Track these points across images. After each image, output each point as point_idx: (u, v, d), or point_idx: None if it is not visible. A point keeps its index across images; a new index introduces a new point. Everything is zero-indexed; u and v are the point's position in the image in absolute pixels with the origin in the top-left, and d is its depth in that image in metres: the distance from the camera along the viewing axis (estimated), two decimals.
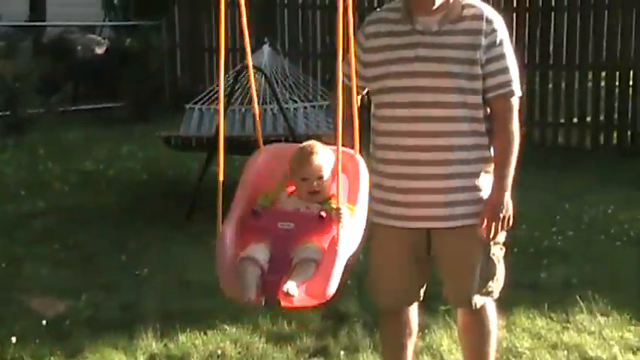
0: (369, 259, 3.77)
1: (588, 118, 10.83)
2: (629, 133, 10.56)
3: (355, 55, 3.50)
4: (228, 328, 4.92)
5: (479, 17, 3.52)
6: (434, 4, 3.52)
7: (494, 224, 3.52)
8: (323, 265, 3.00)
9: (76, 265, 6.26)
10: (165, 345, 4.78)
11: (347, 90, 3.42)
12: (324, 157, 3.27)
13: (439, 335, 4.84)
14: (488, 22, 3.51)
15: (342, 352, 4.67)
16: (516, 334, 4.91)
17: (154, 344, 4.77)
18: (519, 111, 3.60)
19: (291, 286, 2.91)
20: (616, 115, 10.63)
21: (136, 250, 6.54)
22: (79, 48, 14.68)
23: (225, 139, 7.64)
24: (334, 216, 3.06)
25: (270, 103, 8.12)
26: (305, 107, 8.39)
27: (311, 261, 3.02)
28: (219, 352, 4.69)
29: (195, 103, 8.40)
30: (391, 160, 3.59)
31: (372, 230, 3.57)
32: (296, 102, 8.35)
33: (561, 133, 10.96)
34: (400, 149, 3.55)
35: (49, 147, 10.61)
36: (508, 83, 3.52)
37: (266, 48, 8.55)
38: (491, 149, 3.57)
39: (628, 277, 5.90)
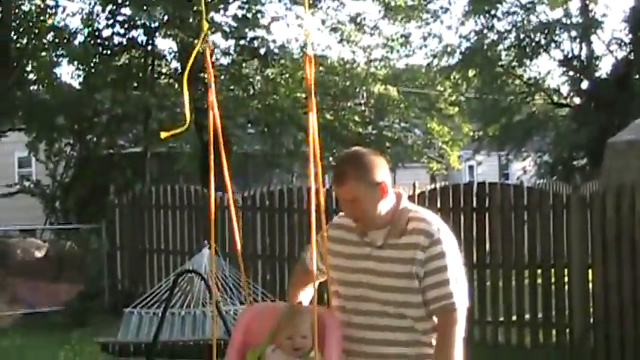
0: None
1: (527, 316, 10.92)
2: (567, 331, 10.65)
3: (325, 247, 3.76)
4: None
5: (420, 231, 3.66)
6: (378, 222, 3.69)
7: None
8: None
9: None
10: None
11: (307, 271, 3.86)
12: (307, 318, 3.67)
13: None
14: (429, 235, 3.64)
15: None
16: None
17: None
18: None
19: None
20: (554, 313, 10.74)
21: None
22: (19, 252, 14.62)
23: (165, 343, 7.54)
24: None
25: (209, 305, 8.10)
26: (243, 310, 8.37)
27: None
28: None
29: (135, 307, 8.35)
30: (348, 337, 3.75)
31: None
32: (235, 304, 8.34)
33: (501, 332, 11.01)
34: (349, 353, 3.72)
35: None
36: (446, 296, 3.61)
37: (205, 251, 8.62)
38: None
39: None
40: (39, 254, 14.78)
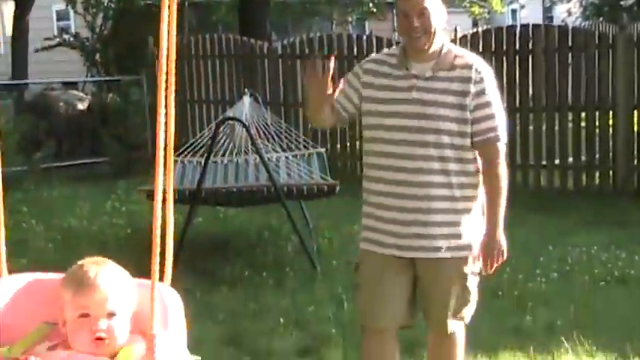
0: (361, 283, 3.99)
1: (570, 160, 10.88)
2: (610, 173, 10.61)
3: (346, 80, 3.94)
4: None
5: (469, 66, 3.84)
6: (428, 52, 3.81)
7: (489, 260, 3.85)
8: None
9: None
10: None
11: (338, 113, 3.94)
12: (116, 280, 2.35)
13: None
14: (478, 71, 3.83)
15: None
16: None
17: None
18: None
19: None
20: (597, 156, 10.69)
21: None
22: (61, 104, 14.71)
23: (208, 190, 7.60)
24: None
25: (251, 153, 8.14)
26: (287, 157, 8.41)
27: None
28: None
29: (178, 156, 8.40)
30: (379, 192, 3.89)
31: (362, 255, 3.94)
32: (277, 152, 8.37)
33: (544, 175, 10.99)
34: (388, 183, 3.85)
35: (31, 204, 10.57)
36: (494, 129, 3.83)
37: (247, 99, 8.60)
38: (478, 189, 3.87)
39: (612, 317, 5.90)
40: (81, 106, 14.87)
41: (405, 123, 3.80)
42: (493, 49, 10.94)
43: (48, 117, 14.25)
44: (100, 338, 2.17)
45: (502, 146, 3.87)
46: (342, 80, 3.92)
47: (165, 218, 2.27)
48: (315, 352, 5.34)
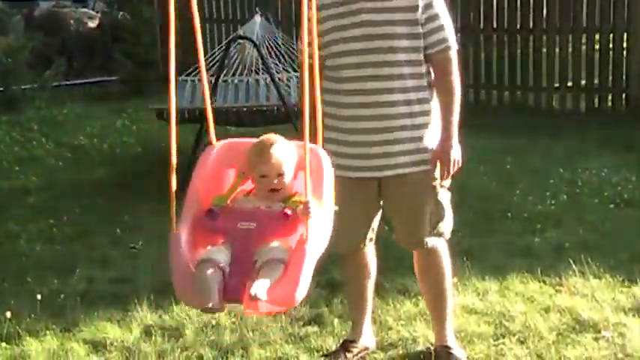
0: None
1: (583, 82, 10.80)
2: (623, 96, 10.53)
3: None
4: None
5: None
6: None
7: (445, 168, 3.89)
8: (291, 266, 2.76)
9: (70, 240, 6.28)
10: (160, 317, 4.80)
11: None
12: (284, 151, 3.05)
13: None
14: None
15: (336, 321, 4.68)
16: (509, 298, 4.93)
17: (148, 316, 4.79)
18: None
19: (258, 290, 2.66)
20: (610, 78, 10.60)
21: (130, 224, 6.55)
22: (72, 22, 14.61)
23: (219, 110, 7.59)
24: (301, 213, 2.83)
25: (262, 73, 8.10)
26: (298, 77, 8.36)
27: (278, 262, 2.78)
28: (214, 322, 4.71)
29: (188, 75, 8.36)
30: (339, 117, 3.90)
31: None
32: (288, 72, 8.32)
33: (556, 98, 10.92)
34: (348, 107, 3.88)
35: (42, 122, 10.59)
36: (446, 39, 3.89)
37: (257, 18, 8.52)
38: (432, 102, 3.92)
39: (621, 239, 5.91)
40: (92, 24, 14.77)
41: (358, 46, 3.82)
42: None
43: (58, 34, 14.17)
44: (273, 189, 3.00)
45: (454, 54, 3.92)
46: None
47: None
48: (324, 271, 5.38)
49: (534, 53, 10.93)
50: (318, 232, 2.85)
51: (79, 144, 9.48)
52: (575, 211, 6.60)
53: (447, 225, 4.07)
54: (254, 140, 3.12)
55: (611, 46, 10.54)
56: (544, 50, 10.97)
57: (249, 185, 3.11)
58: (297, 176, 3.07)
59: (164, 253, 5.72)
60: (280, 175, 3.01)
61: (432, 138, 3.92)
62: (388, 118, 3.85)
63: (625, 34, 10.40)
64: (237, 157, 3.11)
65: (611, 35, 10.48)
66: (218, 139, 3.22)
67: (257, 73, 8.21)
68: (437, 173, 3.93)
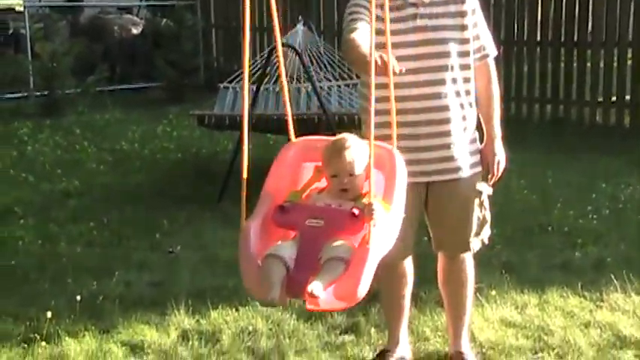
0: None
1: (627, 97, 10.68)
2: None
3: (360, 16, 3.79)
4: (259, 305, 4.90)
5: None
6: None
7: (491, 170, 3.99)
8: (353, 264, 2.80)
9: (109, 244, 6.31)
10: (197, 321, 4.80)
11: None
12: (356, 152, 3.11)
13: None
14: None
15: (372, 330, 4.66)
16: (548, 312, 4.87)
17: (185, 320, 4.80)
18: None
19: (316, 287, 2.72)
20: None
21: (169, 229, 6.57)
22: (116, 28, 14.73)
23: (259, 117, 7.62)
24: (366, 212, 2.88)
25: (304, 81, 8.10)
26: (339, 86, 8.36)
27: (340, 260, 2.83)
28: (251, 328, 4.70)
29: (230, 82, 8.40)
30: (400, 123, 3.74)
31: None
32: (330, 81, 8.32)
33: (599, 113, 10.81)
34: (408, 112, 3.80)
35: (84, 127, 10.69)
36: (488, 45, 4.00)
37: (300, 27, 8.53)
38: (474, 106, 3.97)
39: None
40: (135, 31, 14.88)
41: (413, 52, 3.81)
42: None
43: (102, 40, 14.30)
44: (344, 190, 3.07)
45: (493, 61, 4.04)
46: (355, 14, 3.79)
47: None
48: None
49: (578, 67, 10.84)
50: (382, 233, 2.89)
51: (120, 149, 9.55)
52: (617, 226, 6.53)
53: (487, 230, 4.10)
54: (329, 139, 3.22)
55: None
56: (588, 64, 10.88)
57: (324, 182, 3.20)
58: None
59: (201, 258, 5.84)
60: (351, 175, 3.09)
61: (478, 141, 4.02)
62: (444, 123, 3.87)
63: None
64: (314, 154, 3.21)
65: None
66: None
67: (298, 82, 8.21)
68: (481, 176, 4.02)
